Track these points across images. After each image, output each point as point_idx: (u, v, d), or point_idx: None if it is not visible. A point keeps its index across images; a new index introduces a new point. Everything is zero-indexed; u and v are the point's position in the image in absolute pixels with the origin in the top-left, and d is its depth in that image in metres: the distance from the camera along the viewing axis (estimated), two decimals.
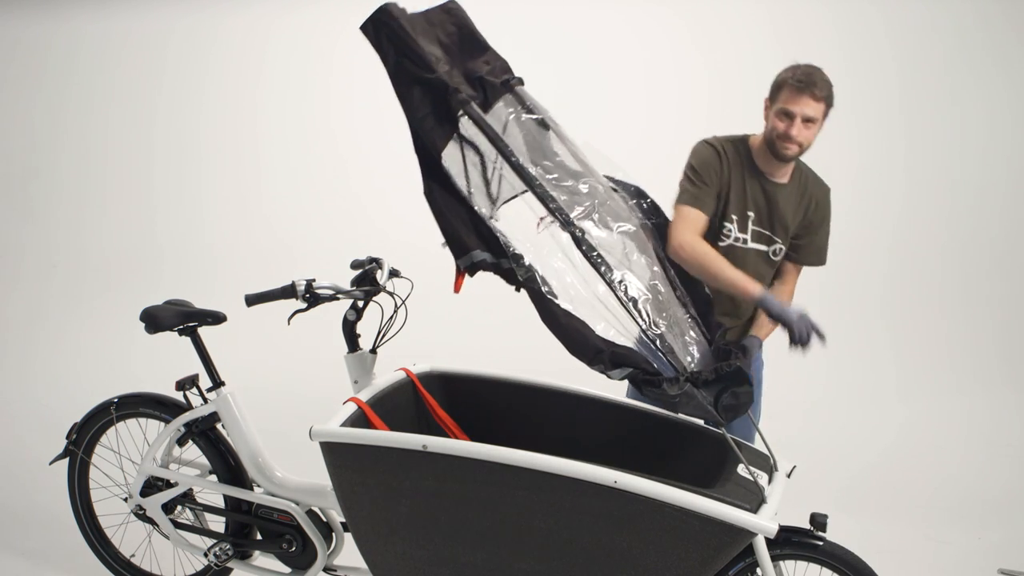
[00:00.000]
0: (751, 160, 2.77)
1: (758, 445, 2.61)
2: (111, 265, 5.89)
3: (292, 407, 3.98)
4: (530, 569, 2.31)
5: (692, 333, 2.37)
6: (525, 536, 2.28)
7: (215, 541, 2.87)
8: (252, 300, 2.63)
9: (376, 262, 2.82)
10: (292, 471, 2.83)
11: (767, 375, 3.04)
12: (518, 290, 2.27)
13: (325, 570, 2.78)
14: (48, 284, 5.90)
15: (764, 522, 2.13)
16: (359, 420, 2.52)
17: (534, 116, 2.48)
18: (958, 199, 5.16)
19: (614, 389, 2.61)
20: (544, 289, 2.20)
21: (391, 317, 2.75)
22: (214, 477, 2.93)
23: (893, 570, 2.73)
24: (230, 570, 2.99)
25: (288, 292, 2.61)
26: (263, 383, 4.49)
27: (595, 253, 2.22)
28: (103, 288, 5.78)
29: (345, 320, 2.75)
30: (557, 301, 2.19)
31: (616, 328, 2.23)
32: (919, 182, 5.19)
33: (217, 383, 2.86)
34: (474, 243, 2.26)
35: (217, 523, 2.99)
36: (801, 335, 2.39)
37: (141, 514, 2.98)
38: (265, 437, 2.87)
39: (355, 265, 2.84)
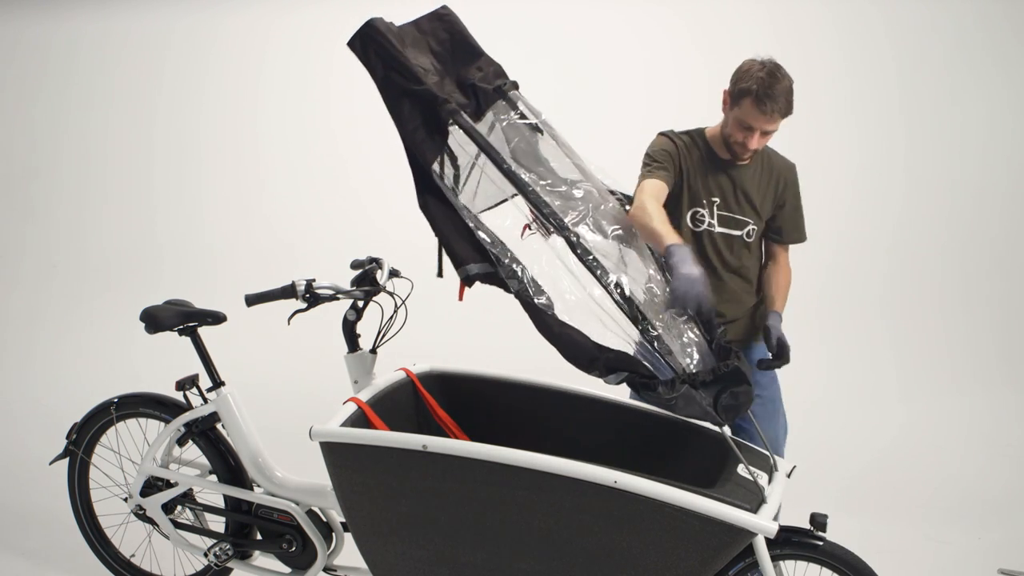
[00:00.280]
0: (710, 149, 2.81)
1: (758, 445, 2.61)
2: (111, 265, 5.88)
3: (292, 407, 3.98)
4: (530, 569, 2.31)
5: (691, 334, 2.37)
6: (525, 536, 2.28)
7: (215, 541, 2.87)
8: (252, 300, 2.63)
9: (376, 262, 2.82)
10: (292, 471, 2.83)
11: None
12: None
13: (325, 570, 2.78)
14: (48, 284, 5.90)
15: (764, 522, 2.13)
16: (359, 420, 2.52)
17: (527, 121, 2.48)
18: (958, 199, 5.15)
19: (614, 389, 2.59)
20: (537, 301, 2.19)
21: (391, 317, 2.75)
22: (214, 477, 2.93)
23: (893, 570, 2.73)
24: (230, 570, 2.99)
25: (288, 292, 2.62)
26: (263, 383, 4.48)
27: (591, 257, 2.21)
28: (103, 288, 5.78)
29: (345, 320, 2.75)
30: (551, 312, 2.19)
31: (613, 332, 2.23)
32: (919, 182, 5.18)
33: (217, 383, 2.87)
34: (470, 255, 2.25)
35: (217, 523, 3.00)
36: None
37: (141, 514, 2.98)
38: (265, 437, 2.87)
39: (355, 265, 2.84)
